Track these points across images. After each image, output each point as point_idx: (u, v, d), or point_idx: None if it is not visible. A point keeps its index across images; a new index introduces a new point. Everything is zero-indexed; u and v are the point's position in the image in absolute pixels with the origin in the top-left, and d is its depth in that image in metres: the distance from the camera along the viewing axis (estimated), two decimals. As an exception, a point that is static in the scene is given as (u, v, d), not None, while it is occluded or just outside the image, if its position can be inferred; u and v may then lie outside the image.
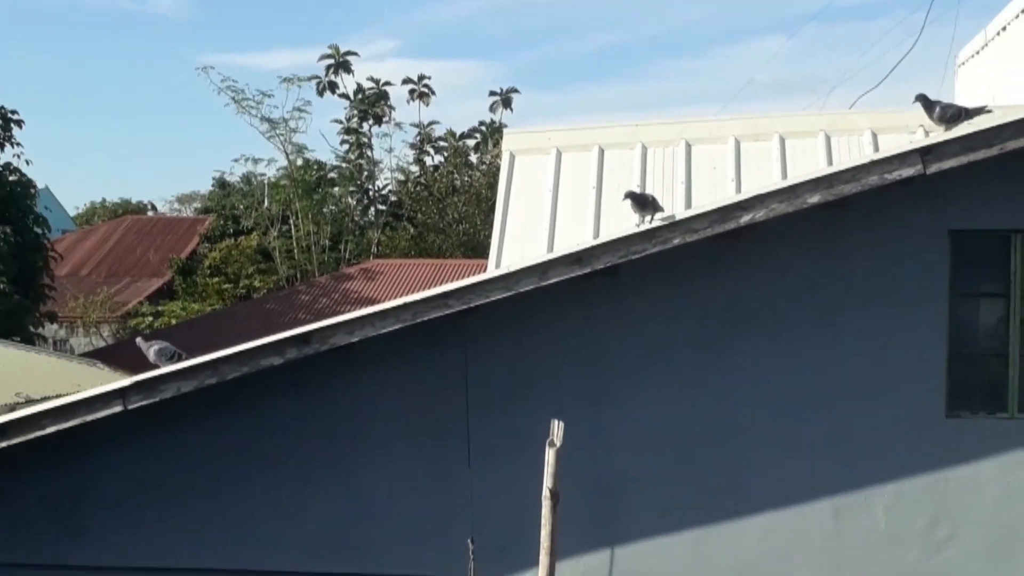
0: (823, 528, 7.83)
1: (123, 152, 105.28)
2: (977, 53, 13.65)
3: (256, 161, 41.56)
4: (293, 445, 8.43)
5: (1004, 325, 7.79)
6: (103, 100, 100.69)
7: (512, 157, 11.54)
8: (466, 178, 41.11)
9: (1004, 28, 12.48)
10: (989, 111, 8.00)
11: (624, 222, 8.37)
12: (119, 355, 19.52)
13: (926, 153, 7.37)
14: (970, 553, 7.67)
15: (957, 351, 7.78)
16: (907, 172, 7.38)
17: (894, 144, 8.15)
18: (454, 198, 38.93)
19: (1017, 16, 11.98)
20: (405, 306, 7.81)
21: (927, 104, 7.91)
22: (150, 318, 31.21)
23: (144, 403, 7.97)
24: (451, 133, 43.21)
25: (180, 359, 8.19)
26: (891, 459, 7.76)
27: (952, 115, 7.77)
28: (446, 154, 42.43)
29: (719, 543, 7.94)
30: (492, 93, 44.01)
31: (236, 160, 68.56)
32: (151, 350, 8.45)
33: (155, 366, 8.24)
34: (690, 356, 8.01)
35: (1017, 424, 7.67)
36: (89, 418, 7.98)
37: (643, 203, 7.88)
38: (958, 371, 7.79)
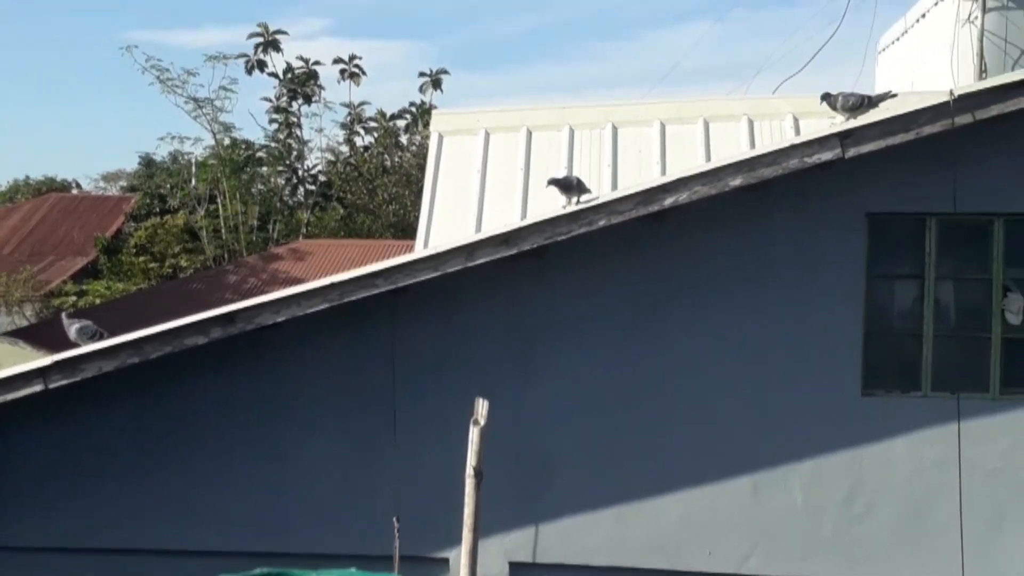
0: (742, 503, 8.01)
1: (46, 130, 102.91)
2: (897, 40, 13.93)
3: (182, 140, 40.89)
4: (218, 424, 8.40)
5: (919, 305, 8.02)
6: (24, 77, 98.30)
7: (440, 138, 11.55)
8: (396, 159, 40.82)
9: (923, 15, 12.75)
10: (894, 95, 8.20)
11: (552, 203, 8.45)
12: (42, 334, 19.16)
13: (845, 137, 7.54)
14: (884, 526, 7.89)
15: (873, 331, 8.00)
16: (826, 156, 7.55)
17: (815, 128, 8.31)
18: (384, 179, 38.64)
19: (936, 3, 12.25)
20: (332, 286, 7.82)
21: (829, 99, 8.10)
22: (74, 297, 30.60)
23: (65, 382, 7.88)
24: (381, 114, 42.81)
25: (101, 338, 8.10)
26: (808, 436, 7.95)
27: (854, 103, 7.96)
28: (376, 135, 42.08)
29: (640, 519, 8.08)
30: (422, 74, 43.55)
31: (162, 139, 67.55)
32: (72, 328, 8.34)
33: (78, 345, 8.15)
34: (614, 335, 8.12)
35: (930, 402, 7.91)
36: (8, 397, 7.87)
37: (568, 186, 7.97)
38: (874, 351, 8.00)
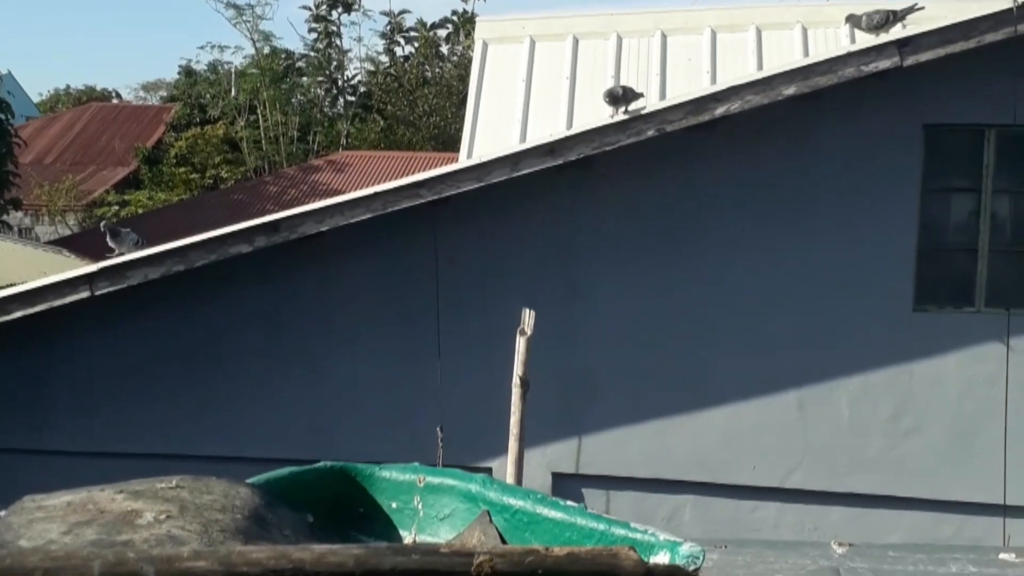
0: (787, 419, 7.95)
1: (87, 39, 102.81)
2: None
3: (222, 49, 40.98)
4: (260, 334, 8.42)
5: (975, 220, 7.82)
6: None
7: (485, 46, 11.33)
8: (437, 70, 40.46)
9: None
10: (921, 8, 8.03)
11: (598, 113, 8.26)
12: (85, 243, 19.33)
13: (903, 45, 7.31)
14: (932, 444, 7.81)
15: (927, 245, 7.82)
16: (884, 64, 7.33)
17: (870, 38, 8.05)
18: (425, 90, 38.33)
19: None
20: (376, 195, 7.74)
21: (853, 19, 7.93)
22: (116, 207, 30.80)
23: (111, 289, 7.91)
24: (422, 23, 42.32)
25: (142, 246, 8.09)
26: (856, 352, 7.84)
27: (879, 21, 7.76)
28: (416, 45, 41.69)
29: (683, 433, 8.04)
30: (464, -19, 43.08)
31: (202, 48, 67.54)
32: (113, 237, 8.34)
33: (121, 254, 8.16)
34: (660, 249, 8.01)
35: (983, 318, 7.75)
36: (56, 303, 7.92)
37: (616, 98, 7.77)
38: (927, 265, 7.84)
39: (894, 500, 7.82)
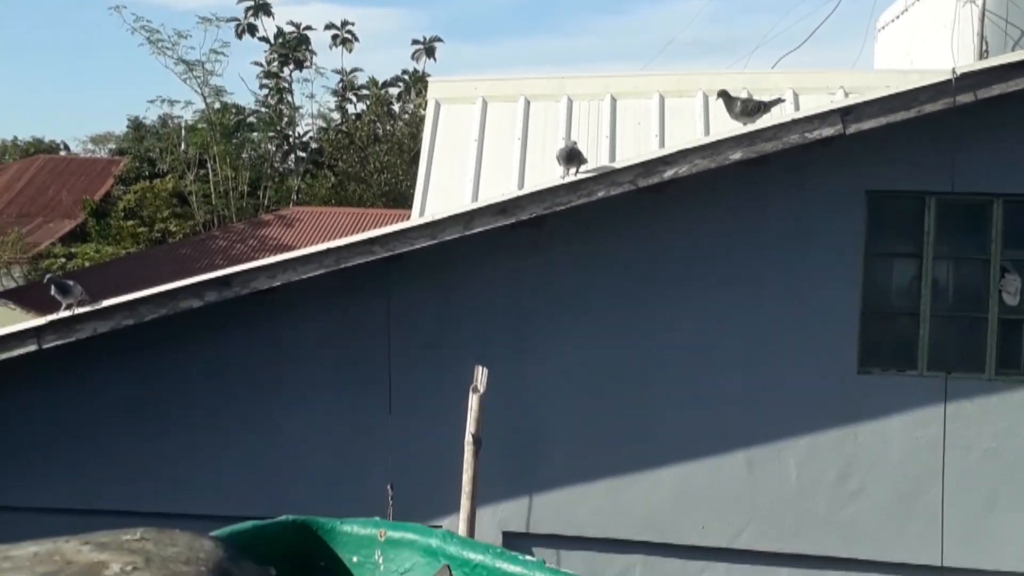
0: (736, 479, 8.01)
1: (34, 91, 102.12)
2: (897, 18, 13.88)
3: (172, 103, 40.85)
4: (211, 390, 8.37)
5: (917, 284, 8.00)
6: (12, 36, 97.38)
7: (438, 105, 11.46)
8: (388, 127, 40.72)
9: (925, -6, 12.70)
10: (783, 100, 8.52)
11: (549, 174, 8.40)
12: (31, 296, 19.08)
13: (846, 113, 7.50)
14: (878, 505, 7.91)
15: (870, 309, 7.98)
16: (827, 131, 7.51)
17: (815, 104, 8.27)
18: (376, 147, 38.53)
19: (937, -18, 12.20)
20: (328, 251, 7.77)
21: (728, 99, 8.11)
22: (63, 259, 30.50)
23: (59, 343, 7.84)
24: (373, 81, 42.66)
25: (86, 300, 8.02)
26: (804, 412, 7.95)
27: (752, 108, 8.00)
28: (368, 102, 41.94)
29: (633, 492, 8.08)
30: (415, 42, 43.46)
31: (152, 101, 67.08)
32: (60, 290, 8.26)
33: (67, 307, 8.08)
34: (611, 307, 8.10)
35: (926, 381, 7.90)
36: (2, 356, 7.82)
37: (571, 156, 7.90)
38: (871, 329, 7.99)
39: (840, 561, 7.90)
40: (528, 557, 3.86)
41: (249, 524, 4.15)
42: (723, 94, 8.14)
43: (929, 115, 7.50)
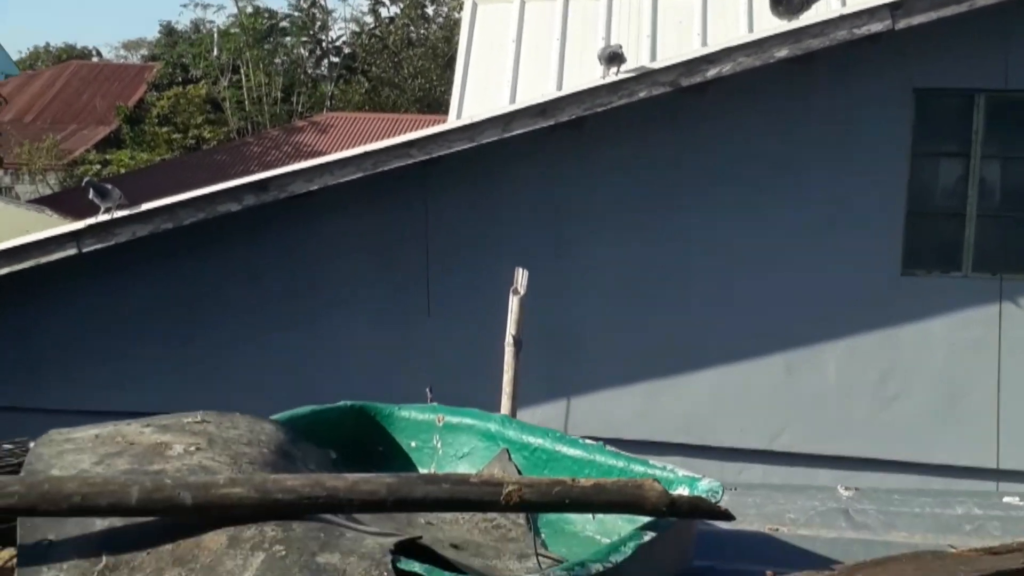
0: (774, 381, 7.98)
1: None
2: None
3: (205, 7, 40.46)
4: (249, 294, 8.41)
5: (963, 184, 7.84)
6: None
7: (475, 5, 11.23)
8: (422, 31, 40.23)
9: None
10: None
11: (588, 75, 8.24)
12: (67, 202, 19.16)
13: (896, 8, 7.30)
14: (918, 408, 7.87)
15: (915, 209, 7.84)
16: (876, 27, 7.33)
17: (862, 2, 8.04)
18: (410, 51, 38.10)
19: None
20: (366, 154, 7.72)
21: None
22: (98, 166, 30.52)
23: (98, 247, 7.86)
24: (408, -17, 42.10)
25: (125, 205, 8.02)
26: (844, 316, 7.87)
27: (798, 4, 7.96)
28: (402, 5, 41.39)
29: (671, 394, 8.08)
30: (450, -59, 42.75)
31: (184, 6, 66.68)
32: (99, 194, 8.27)
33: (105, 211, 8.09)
34: (651, 208, 8.02)
35: (970, 282, 7.79)
36: (43, 260, 7.88)
37: (612, 58, 7.72)
38: (915, 229, 7.87)
39: (881, 463, 7.87)
40: (588, 440, 3.86)
41: (308, 409, 4.19)
42: None
43: (982, 9, 7.27)
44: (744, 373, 8.02)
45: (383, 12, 42.05)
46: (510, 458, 3.95)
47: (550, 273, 8.03)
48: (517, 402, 6.15)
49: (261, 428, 3.66)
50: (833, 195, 7.86)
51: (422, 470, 4.18)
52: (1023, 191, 7.88)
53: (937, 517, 4.82)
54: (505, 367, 6.13)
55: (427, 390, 7.96)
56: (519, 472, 3.90)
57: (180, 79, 37.61)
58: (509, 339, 6.16)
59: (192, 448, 3.27)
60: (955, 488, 6.82)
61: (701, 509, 3.36)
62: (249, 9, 38.50)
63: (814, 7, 8.06)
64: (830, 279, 7.88)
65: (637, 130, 7.95)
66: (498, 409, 6.47)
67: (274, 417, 3.88)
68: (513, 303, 6.16)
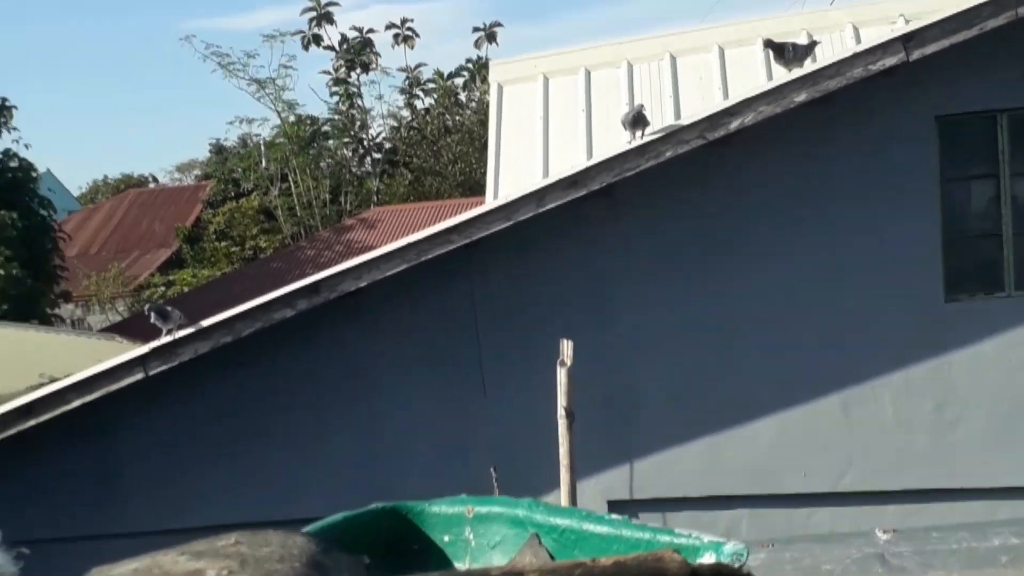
0: (833, 422, 7.97)
1: (118, 128, 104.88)
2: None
3: (250, 122, 41.50)
4: (310, 394, 8.56)
5: (996, 205, 7.86)
6: (92, 78, 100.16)
7: (500, 88, 11.54)
8: (457, 118, 40.89)
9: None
10: (818, 43, 8.64)
11: (616, 141, 8.42)
12: (136, 327, 19.70)
13: (908, 40, 7.40)
14: (978, 432, 7.81)
15: (951, 235, 7.86)
16: (890, 61, 7.43)
17: (876, 36, 8.16)
18: (447, 139, 38.74)
19: None
20: (409, 246, 7.92)
21: (775, 48, 8.21)
22: (163, 288, 31.37)
23: (164, 368, 8.11)
24: (439, 74, 42.84)
25: (186, 323, 8.27)
26: (894, 348, 7.87)
27: (801, 52, 8.06)
28: (436, 96, 42.19)
29: (732, 446, 8.09)
30: (476, 29, 43.45)
31: (230, 123, 68.39)
32: (160, 317, 8.55)
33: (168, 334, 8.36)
34: (689, 264, 8.12)
35: (1015, 302, 7.77)
36: (112, 388, 8.13)
37: (636, 119, 7.87)
38: (954, 255, 7.88)
39: (946, 492, 7.82)
40: (615, 516, 3.94)
41: (340, 516, 4.29)
42: (768, 44, 8.23)
43: (994, 31, 7.36)
44: (802, 418, 8.02)
45: (418, 104, 42.87)
46: (540, 542, 4.02)
47: (599, 339, 8.15)
48: (576, 473, 6.24)
49: (293, 543, 3.76)
50: (868, 231, 7.91)
51: (457, 564, 4.25)
52: (1057, 204, 7.85)
53: (974, 551, 4.80)
54: (560, 440, 6.23)
55: (491, 470, 8.11)
56: (551, 556, 3.97)
57: (233, 194, 38.54)
58: (561, 411, 6.27)
59: (225, 572, 3.38)
60: (1018, 514, 6.73)
61: (724, 575, 3.39)
62: (292, 118, 39.48)
63: (818, 49, 8.22)
64: (876, 314, 7.90)
65: (668, 189, 8.08)
66: (559, 483, 6.57)
67: (307, 529, 4.00)
68: (561, 375, 6.29)
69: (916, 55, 7.41)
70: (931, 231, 7.81)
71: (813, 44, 8.44)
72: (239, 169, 39.93)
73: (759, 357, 8.05)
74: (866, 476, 7.94)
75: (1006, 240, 7.79)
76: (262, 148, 39.80)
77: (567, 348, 6.51)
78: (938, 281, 7.83)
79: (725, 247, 8.07)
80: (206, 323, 8.14)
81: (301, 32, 41.35)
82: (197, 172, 53.21)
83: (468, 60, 42.95)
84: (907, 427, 7.89)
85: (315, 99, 70.80)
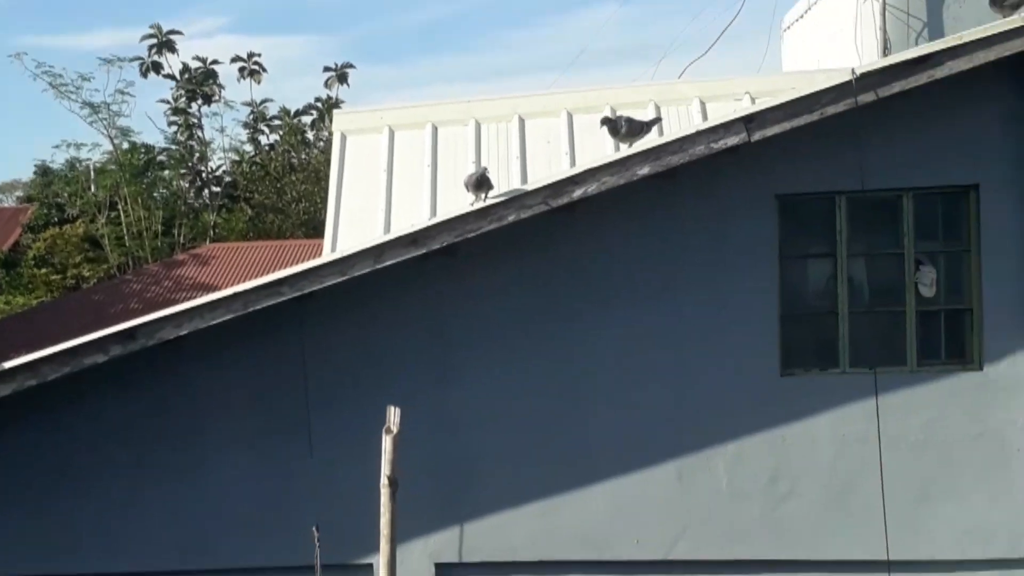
0: (668, 490, 7.97)
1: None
2: (802, 17, 13.96)
3: (79, 147, 39.86)
4: (127, 445, 8.14)
5: (833, 283, 8.04)
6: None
7: (344, 138, 11.26)
8: (304, 156, 40.31)
9: (825, -7, 12.78)
10: (660, 120, 9.08)
11: (462, 200, 8.28)
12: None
13: (749, 121, 7.52)
14: (809, 505, 7.91)
15: (789, 311, 7.99)
16: (732, 140, 7.52)
17: (722, 112, 8.29)
18: (292, 177, 38.08)
19: (837, -19, 12.28)
20: (235, 296, 7.58)
21: (610, 125, 8.35)
22: (-27, 314, 29.61)
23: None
24: (285, 111, 42.15)
25: None
26: (730, 420, 7.93)
27: (635, 129, 8.21)
28: (281, 132, 41.48)
29: (567, 511, 7.99)
30: (327, 69, 43.04)
31: (57, 146, 65.51)
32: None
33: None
34: (531, 329, 8.03)
35: (849, 378, 7.94)
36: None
37: (479, 184, 7.76)
38: (791, 331, 8.01)
39: (777, 563, 7.91)
40: None
41: None
42: (605, 121, 8.36)
43: (835, 116, 7.54)
44: (637, 484, 7.98)
45: (262, 140, 42.12)
46: None
47: (437, 400, 8.00)
48: (395, 543, 5.99)
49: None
50: (709, 302, 7.97)
51: None
52: (890, 286, 8.06)
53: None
54: (382, 509, 5.98)
55: (313, 530, 7.76)
56: None
57: (56, 219, 36.89)
58: (384, 480, 6.02)
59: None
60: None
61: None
62: (125, 145, 38.18)
63: (655, 128, 8.38)
64: (713, 385, 7.95)
65: (512, 253, 7.99)
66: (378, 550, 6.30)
67: None
68: (386, 442, 6.06)
69: (757, 136, 7.53)
70: (770, 306, 7.92)
71: (654, 121, 8.63)
72: (65, 193, 38.30)
73: (597, 422, 8.00)
74: (699, 545, 7.94)
75: (842, 318, 7.95)
76: (91, 173, 38.29)
77: (394, 415, 6.29)
78: (775, 355, 7.93)
79: (568, 312, 8.01)
80: (7, 364, 7.58)
81: (140, 59, 40.15)
82: (19, 194, 50.76)
83: (317, 99, 42.51)
84: (740, 497, 7.92)
85: (152, 127, 68.71)
